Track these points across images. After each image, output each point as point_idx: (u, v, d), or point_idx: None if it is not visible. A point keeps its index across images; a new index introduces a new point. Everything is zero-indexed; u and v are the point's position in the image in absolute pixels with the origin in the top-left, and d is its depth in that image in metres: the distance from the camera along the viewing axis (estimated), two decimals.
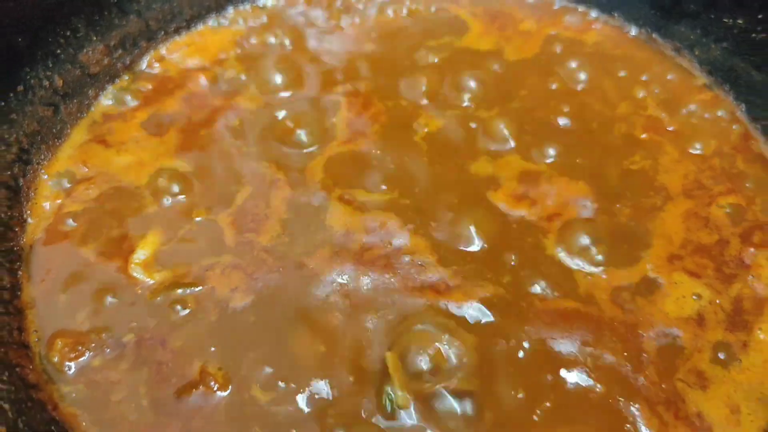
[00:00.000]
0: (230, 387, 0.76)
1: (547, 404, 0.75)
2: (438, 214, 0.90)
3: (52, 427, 0.72)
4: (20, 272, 0.86)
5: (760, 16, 1.02)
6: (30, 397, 0.74)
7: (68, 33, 1.00)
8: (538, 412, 0.75)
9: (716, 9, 1.07)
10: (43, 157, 0.95)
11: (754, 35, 1.03)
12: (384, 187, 0.93)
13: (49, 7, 0.96)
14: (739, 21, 1.05)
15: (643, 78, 1.09)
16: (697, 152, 1.00)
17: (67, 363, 0.78)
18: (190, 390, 0.76)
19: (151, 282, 0.85)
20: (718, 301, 0.85)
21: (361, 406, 0.75)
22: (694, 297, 0.85)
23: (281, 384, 0.76)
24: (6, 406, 0.69)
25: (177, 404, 0.75)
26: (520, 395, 0.76)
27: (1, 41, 0.90)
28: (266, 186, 0.94)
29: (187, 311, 0.82)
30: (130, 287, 0.84)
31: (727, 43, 1.07)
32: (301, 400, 0.75)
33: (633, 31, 1.17)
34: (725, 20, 1.06)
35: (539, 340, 0.80)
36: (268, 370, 0.77)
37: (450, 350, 0.77)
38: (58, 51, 0.99)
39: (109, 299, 0.83)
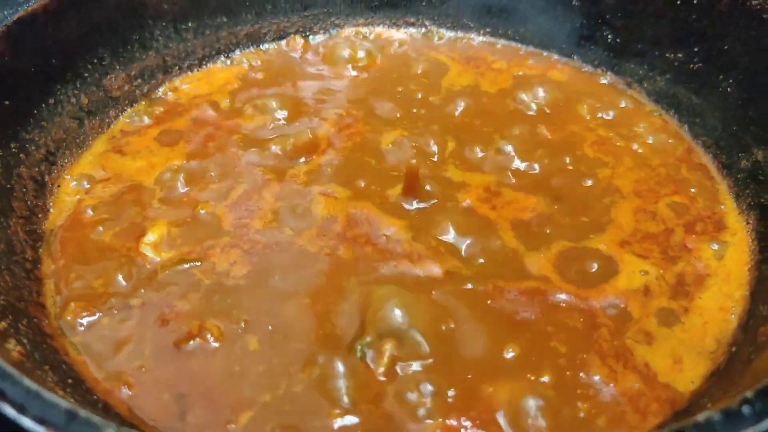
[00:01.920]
0: (224, 338, 0.85)
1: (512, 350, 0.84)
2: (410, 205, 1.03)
3: (63, 366, 0.81)
4: (41, 250, 0.96)
5: (696, 49, 1.17)
6: (45, 342, 0.83)
7: (95, 60, 1.15)
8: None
9: (659, 47, 1.23)
10: (67, 161, 1.08)
11: (691, 66, 1.18)
12: (361, 184, 1.06)
13: (82, 37, 1.12)
14: (679, 55, 1.20)
15: (599, 107, 1.23)
16: (647, 164, 1.12)
17: (79, 320, 0.87)
18: (188, 341, 0.85)
19: (159, 260, 0.95)
20: (663, 277, 0.94)
21: (341, 354, 0.83)
22: (642, 273, 0.95)
23: (271, 336, 0.85)
24: (24, 341, 0.77)
25: (176, 353, 0.84)
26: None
27: (40, 60, 1.05)
28: (259, 184, 1.06)
29: (190, 281, 0.92)
30: (140, 264, 0.94)
31: (670, 74, 1.22)
32: (287, 347, 0.84)
33: (589, 69, 1.33)
34: (667, 55, 1.22)
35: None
36: (260, 323, 0.86)
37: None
38: (86, 74, 1.14)
39: (120, 273, 0.92)
